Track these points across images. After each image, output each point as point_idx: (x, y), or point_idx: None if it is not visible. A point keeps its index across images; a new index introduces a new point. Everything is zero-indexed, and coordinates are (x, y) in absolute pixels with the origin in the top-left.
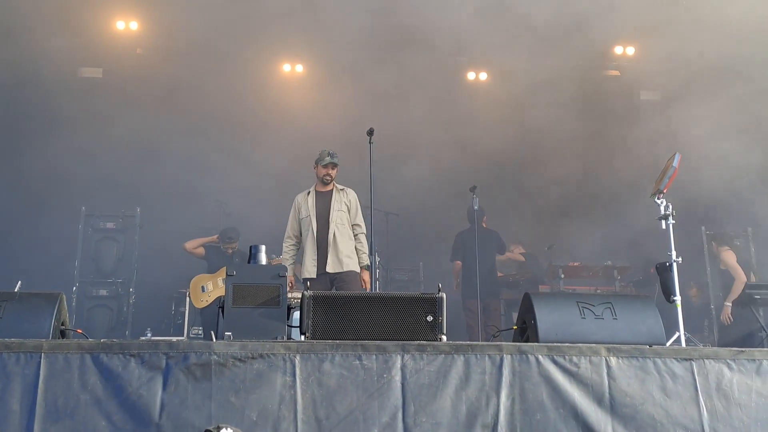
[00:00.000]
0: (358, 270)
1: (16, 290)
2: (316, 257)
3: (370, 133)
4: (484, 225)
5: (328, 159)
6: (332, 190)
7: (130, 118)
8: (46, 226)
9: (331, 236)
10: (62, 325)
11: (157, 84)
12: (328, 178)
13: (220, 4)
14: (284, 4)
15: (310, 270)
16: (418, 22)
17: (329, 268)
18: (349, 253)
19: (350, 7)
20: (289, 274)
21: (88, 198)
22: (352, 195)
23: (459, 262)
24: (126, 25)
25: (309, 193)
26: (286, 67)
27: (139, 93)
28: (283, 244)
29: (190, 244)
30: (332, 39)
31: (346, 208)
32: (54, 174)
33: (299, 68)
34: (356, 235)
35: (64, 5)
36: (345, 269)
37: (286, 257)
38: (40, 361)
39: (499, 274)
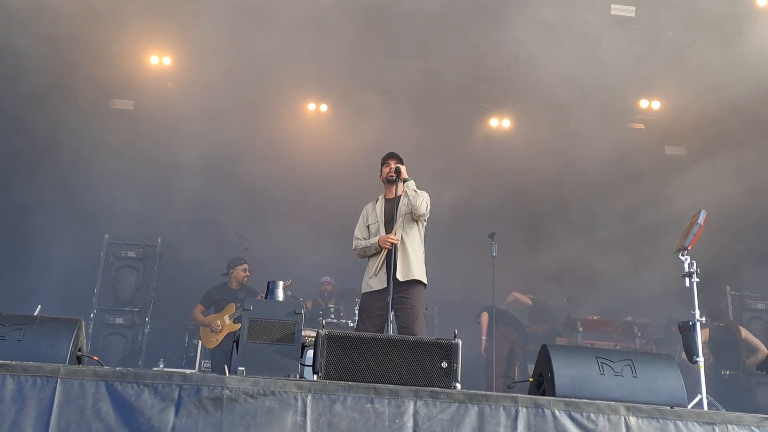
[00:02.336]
0: (424, 281)
1: (36, 314)
2: (384, 267)
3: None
4: None
5: (385, 155)
6: (400, 196)
7: (157, 150)
8: (70, 251)
9: (398, 242)
10: (79, 351)
11: (185, 117)
12: (392, 175)
13: (250, 43)
14: (311, 45)
15: (379, 279)
16: (444, 68)
17: (399, 276)
18: (416, 261)
19: (377, 50)
20: (377, 240)
21: (111, 226)
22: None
23: (485, 314)
24: (159, 60)
25: (377, 200)
26: (311, 106)
27: (168, 126)
28: (357, 246)
29: (195, 316)
30: (357, 79)
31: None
32: (80, 201)
33: (324, 108)
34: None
35: (101, 38)
36: (413, 277)
37: (367, 241)
38: (55, 386)
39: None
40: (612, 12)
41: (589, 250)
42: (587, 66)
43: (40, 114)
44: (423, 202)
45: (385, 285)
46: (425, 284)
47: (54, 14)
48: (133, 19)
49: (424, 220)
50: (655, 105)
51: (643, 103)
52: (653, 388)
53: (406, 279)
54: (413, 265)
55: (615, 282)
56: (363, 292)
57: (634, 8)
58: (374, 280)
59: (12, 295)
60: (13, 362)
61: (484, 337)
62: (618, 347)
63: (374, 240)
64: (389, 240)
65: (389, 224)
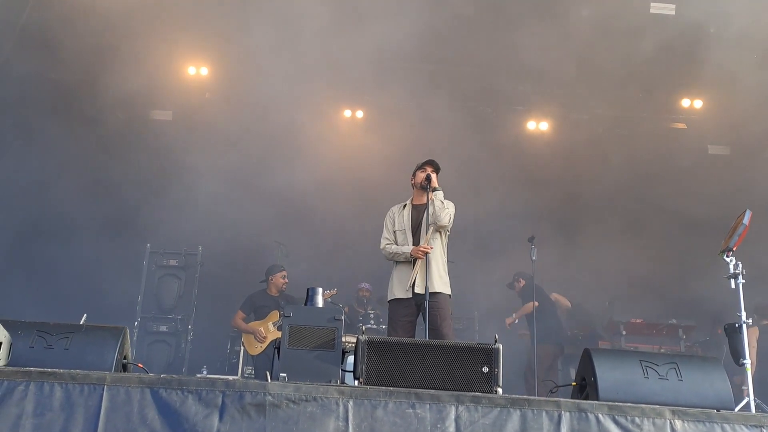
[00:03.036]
0: (449, 293)
1: (82, 322)
2: (409, 274)
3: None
4: None
5: (424, 161)
6: (428, 203)
7: (196, 160)
8: (114, 261)
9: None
10: (124, 358)
11: (223, 127)
12: (425, 182)
13: (285, 51)
14: (347, 53)
15: (402, 288)
16: (480, 71)
17: (418, 289)
18: (441, 273)
19: (413, 55)
20: (409, 249)
21: (153, 235)
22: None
23: (536, 303)
24: (197, 71)
25: (405, 206)
26: (347, 113)
27: (207, 136)
28: (387, 249)
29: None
30: (392, 84)
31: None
32: (122, 211)
33: (359, 114)
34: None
35: (140, 50)
36: (434, 290)
37: (398, 247)
38: (102, 394)
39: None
40: (651, 11)
41: (631, 251)
42: (627, 66)
43: (82, 125)
44: (447, 214)
45: (410, 294)
46: (449, 295)
47: (94, 26)
48: (171, 31)
49: (447, 231)
50: (698, 104)
51: (685, 103)
52: (699, 391)
53: (429, 291)
54: (434, 278)
55: (658, 284)
56: (388, 300)
57: (674, 6)
58: (398, 289)
59: (58, 305)
60: (61, 370)
61: (515, 315)
62: (662, 350)
63: (406, 250)
64: (421, 250)
65: (416, 233)
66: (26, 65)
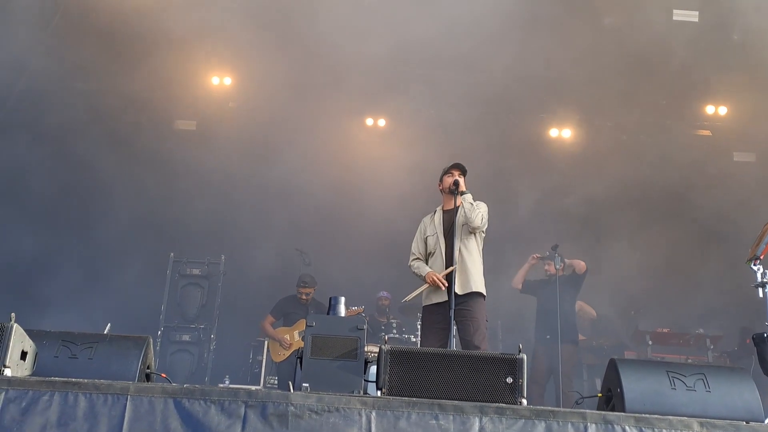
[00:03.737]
0: (483, 292)
1: (106, 332)
2: (444, 278)
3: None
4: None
5: (450, 165)
6: (458, 207)
7: (219, 169)
8: (137, 270)
9: (457, 253)
10: (148, 368)
11: (247, 136)
12: (453, 187)
13: (308, 60)
14: (370, 61)
15: (439, 292)
16: (504, 79)
17: (458, 289)
18: (475, 273)
19: (436, 63)
20: (428, 270)
21: (176, 244)
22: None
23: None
24: (220, 81)
25: (435, 212)
26: (369, 121)
27: (230, 145)
28: (412, 264)
29: (264, 327)
30: (415, 92)
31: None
32: (146, 220)
33: (382, 122)
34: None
35: (164, 61)
36: (472, 290)
37: (420, 267)
38: (126, 404)
39: (581, 338)
40: (674, 18)
41: (656, 260)
42: (650, 73)
43: (105, 135)
44: (479, 214)
45: (446, 298)
46: (485, 296)
47: (120, 36)
48: (195, 41)
49: (482, 232)
50: (722, 111)
51: (710, 109)
52: (727, 402)
53: (465, 291)
54: (472, 277)
55: (685, 293)
56: (423, 305)
57: (697, 13)
58: (434, 294)
59: (82, 314)
60: (85, 380)
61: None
62: (689, 361)
63: (423, 272)
64: (437, 281)
65: (448, 235)
66: (53, 74)
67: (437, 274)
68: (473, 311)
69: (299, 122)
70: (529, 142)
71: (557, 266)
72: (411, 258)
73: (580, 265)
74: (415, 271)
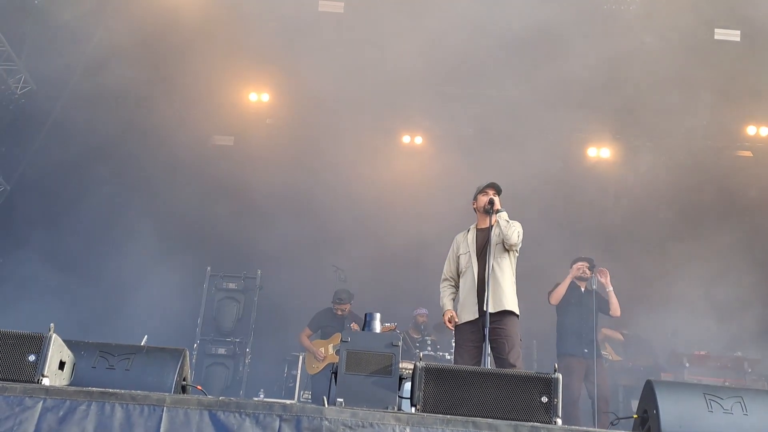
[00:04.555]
0: (516, 311)
1: (143, 344)
2: (476, 297)
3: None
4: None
5: (485, 184)
6: (493, 226)
7: (256, 184)
8: (174, 283)
9: (489, 272)
10: (184, 380)
11: (284, 152)
12: (488, 206)
13: (345, 77)
14: (407, 79)
15: (470, 310)
16: (541, 98)
17: (490, 307)
18: (508, 292)
19: (473, 80)
20: (447, 308)
21: (213, 258)
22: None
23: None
24: (258, 97)
25: (468, 231)
26: (406, 139)
27: (267, 161)
28: (440, 287)
29: (301, 339)
30: (451, 110)
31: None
32: (184, 233)
33: (418, 140)
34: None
35: (202, 78)
36: (504, 308)
37: (444, 296)
38: (162, 415)
39: (617, 358)
40: (716, 37)
41: (694, 281)
42: (691, 92)
43: (145, 149)
44: (515, 232)
45: (477, 315)
46: (518, 315)
47: (158, 51)
48: (233, 57)
49: (516, 251)
50: (764, 132)
51: (751, 130)
52: (765, 426)
53: (498, 310)
54: (505, 295)
55: (723, 315)
56: (456, 323)
57: (739, 32)
58: (466, 312)
59: (120, 326)
60: (122, 391)
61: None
62: (727, 384)
63: (444, 307)
64: (448, 325)
65: (481, 254)
66: (94, 88)
67: (452, 317)
68: (507, 329)
69: (335, 139)
70: (566, 161)
71: (594, 286)
72: (442, 279)
73: (619, 338)
74: (441, 295)
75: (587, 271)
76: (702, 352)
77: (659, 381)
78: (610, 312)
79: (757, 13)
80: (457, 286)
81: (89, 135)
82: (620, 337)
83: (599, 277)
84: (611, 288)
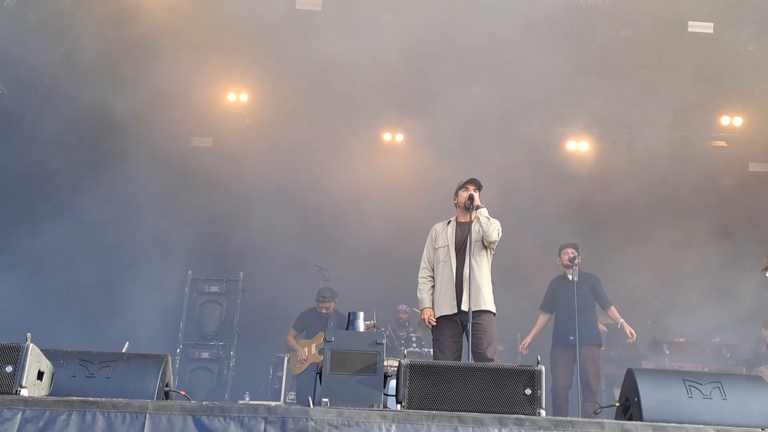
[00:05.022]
0: (493, 310)
1: (124, 350)
2: (454, 292)
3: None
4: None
5: (466, 180)
6: (473, 221)
7: (236, 186)
8: (155, 288)
9: (466, 270)
10: (166, 386)
11: (264, 153)
12: (468, 202)
13: (325, 76)
14: (387, 77)
15: (448, 305)
16: (520, 94)
17: (464, 306)
18: (485, 292)
19: (452, 78)
20: (427, 306)
21: (194, 262)
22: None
23: (547, 314)
24: (237, 97)
25: (449, 222)
26: (387, 136)
27: (247, 161)
28: (419, 278)
29: (287, 340)
30: (432, 107)
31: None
32: (164, 237)
33: (399, 137)
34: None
35: (180, 79)
36: (481, 308)
37: (423, 290)
38: (144, 422)
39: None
40: (690, 29)
41: (673, 270)
42: (665, 84)
43: (122, 154)
44: (495, 229)
45: (455, 311)
46: (494, 313)
47: (135, 52)
48: (211, 58)
49: (493, 249)
50: (737, 122)
51: (725, 120)
52: (743, 410)
53: (476, 309)
54: (482, 295)
55: (701, 302)
56: (435, 317)
57: (712, 24)
58: (444, 306)
59: (100, 333)
60: (103, 399)
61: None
62: (706, 369)
63: (422, 304)
64: (426, 322)
65: (460, 250)
66: (68, 93)
67: (430, 316)
68: (485, 325)
69: (316, 138)
70: (546, 155)
71: (575, 279)
72: (421, 267)
73: (602, 329)
74: (419, 289)
75: (577, 256)
76: (681, 339)
77: (640, 369)
78: (606, 311)
79: (727, 3)
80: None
81: (62, 138)
82: (603, 328)
83: (625, 328)
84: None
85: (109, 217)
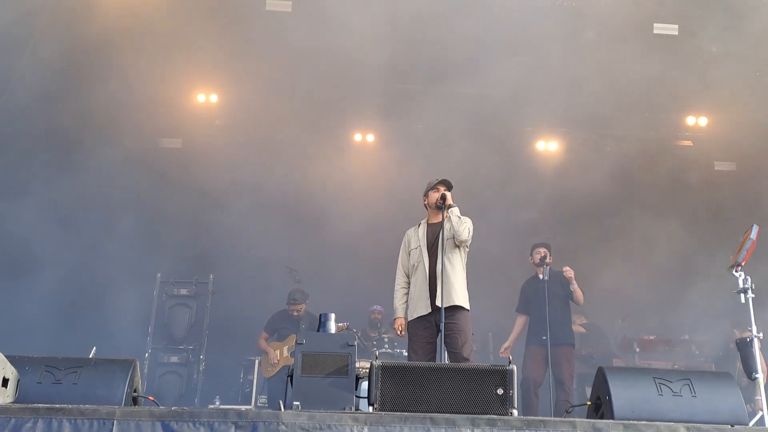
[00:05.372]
0: (467, 306)
1: (91, 356)
2: (428, 291)
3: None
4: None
5: (436, 181)
6: (445, 221)
7: (206, 187)
8: (123, 291)
9: (439, 267)
10: (135, 392)
11: (234, 154)
12: (440, 202)
13: (295, 77)
14: (358, 77)
15: (423, 305)
16: (490, 94)
17: (439, 303)
18: (459, 288)
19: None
20: (399, 316)
21: (163, 264)
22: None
23: (523, 316)
24: (206, 98)
25: (419, 225)
26: (357, 137)
27: (217, 163)
28: (395, 285)
29: (259, 343)
30: (403, 108)
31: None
32: (132, 240)
33: (370, 138)
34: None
35: (149, 79)
36: (454, 303)
37: (396, 299)
38: (112, 429)
39: None
40: (655, 31)
41: (641, 267)
42: (632, 85)
43: (89, 155)
44: (466, 228)
45: (429, 310)
46: (468, 309)
47: (102, 54)
48: (179, 59)
49: (467, 247)
50: (703, 122)
51: (690, 120)
52: (713, 407)
53: (449, 305)
54: (456, 291)
55: (671, 300)
56: (409, 319)
57: (677, 26)
58: (418, 307)
59: (66, 338)
60: (70, 406)
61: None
62: (676, 367)
63: (395, 313)
64: (397, 331)
65: (432, 249)
66: (34, 92)
67: (401, 326)
68: (459, 324)
69: (286, 139)
70: (516, 155)
71: (546, 278)
72: (397, 276)
73: (580, 330)
74: (393, 296)
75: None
76: (651, 337)
77: (610, 368)
78: (574, 300)
79: (692, 6)
80: (410, 285)
81: (27, 140)
82: (581, 329)
83: (566, 274)
84: (576, 285)
85: (76, 219)
